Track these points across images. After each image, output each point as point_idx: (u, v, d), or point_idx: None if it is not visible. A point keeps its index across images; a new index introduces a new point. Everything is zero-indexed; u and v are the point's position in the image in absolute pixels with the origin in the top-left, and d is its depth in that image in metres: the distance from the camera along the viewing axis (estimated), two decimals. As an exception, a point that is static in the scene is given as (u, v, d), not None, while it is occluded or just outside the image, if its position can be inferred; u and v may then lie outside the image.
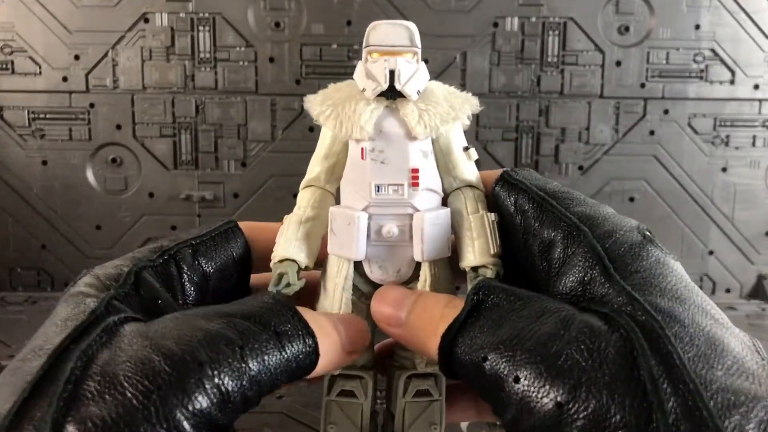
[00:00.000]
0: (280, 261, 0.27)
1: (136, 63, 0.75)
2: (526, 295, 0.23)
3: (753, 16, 0.76)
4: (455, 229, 0.28)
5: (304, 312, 0.24)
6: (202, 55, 0.75)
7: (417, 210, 0.26)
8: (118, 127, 0.76)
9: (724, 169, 0.79)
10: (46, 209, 0.77)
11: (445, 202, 0.28)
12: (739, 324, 0.78)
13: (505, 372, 0.20)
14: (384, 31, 0.26)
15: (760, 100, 0.78)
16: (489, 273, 0.26)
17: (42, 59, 0.75)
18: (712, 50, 0.77)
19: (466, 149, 0.28)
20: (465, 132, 0.29)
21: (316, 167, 0.28)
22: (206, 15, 0.75)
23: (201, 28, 0.75)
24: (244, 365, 0.21)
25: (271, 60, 0.76)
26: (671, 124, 0.78)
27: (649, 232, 0.25)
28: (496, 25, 0.75)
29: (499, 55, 0.76)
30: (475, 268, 0.27)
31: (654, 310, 0.20)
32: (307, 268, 0.27)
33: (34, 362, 0.20)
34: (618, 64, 0.77)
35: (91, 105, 0.76)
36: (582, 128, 0.78)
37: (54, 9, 0.74)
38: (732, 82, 0.77)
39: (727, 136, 0.78)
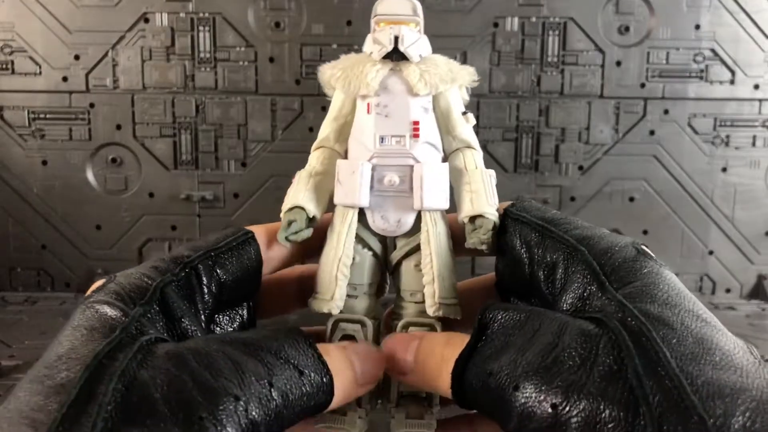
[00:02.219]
0: (290, 209, 0.29)
1: (136, 63, 0.75)
2: (527, 311, 0.24)
3: (753, 16, 0.76)
4: (454, 185, 0.30)
5: (323, 348, 0.24)
6: (202, 55, 0.75)
7: (417, 161, 0.29)
8: (118, 127, 0.76)
9: (724, 169, 0.79)
10: (46, 209, 0.77)
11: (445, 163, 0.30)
12: (739, 324, 0.77)
13: (507, 383, 0.21)
14: (390, 3, 0.29)
15: (760, 100, 0.78)
16: (486, 223, 0.28)
17: (42, 59, 0.75)
18: (712, 50, 0.77)
19: (464, 113, 0.30)
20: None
21: (326, 129, 0.30)
22: (206, 15, 0.75)
23: (201, 28, 0.75)
24: (272, 401, 0.22)
25: (271, 60, 0.76)
26: (671, 124, 0.78)
27: (644, 246, 0.26)
28: (496, 25, 0.75)
29: (499, 55, 0.76)
30: (472, 219, 0.28)
31: (643, 315, 0.21)
32: (314, 218, 0.29)
33: (63, 373, 0.20)
34: (618, 64, 0.77)
35: (91, 105, 0.76)
36: (582, 128, 0.78)
37: (54, 9, 0.74)
38: (732, 82, 0.77)
39: (727, 136, 0.78)
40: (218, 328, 0.28)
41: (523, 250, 0.28)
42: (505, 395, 0.21)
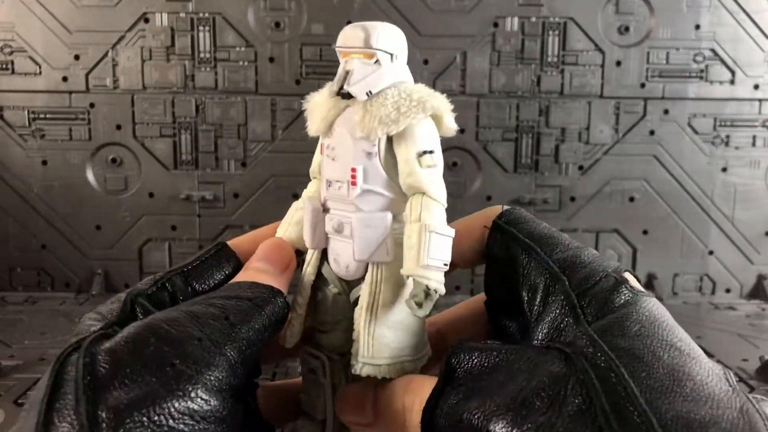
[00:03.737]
0: None
1: (136, 63, 0.75)
2: (495, 351, 0.24)
3: (753, 16, 0.76)
4: None
5: (248, 275, 0.28)
6: (202, 55, 0.75)
7: (359, 209, 0.27)
8: (118, 127, 0.76)
9: (724, 169, 0.79)
10: (46, 209, 0.77)
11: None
12: (739, 324, 0.77)
13: (478, 426, 0.22)
14: (345, 33, 0.27)
15: (760, 100, 0.78)
16: (416, 286, 0.25)
17: (42, 59, 0.75)
18: (712, 50, 0.77)
19: (422, 154, 0.26)
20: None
21: (314, 160, 0.30)
22: (206, 15, 0.75)
23: (201, 28, 0.75)
24: (234, 331, 0.24)
25: (271, 60, 0.76)
26: (671, 124, 0.78)
27: (628, 272, 0.26)
28: (496, 25, 0.75)
29: (499, 55, 0.76)
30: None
31: (612, 350, 0.22)
32: (299, 251, 0.29)
33: (45, 379, 0.21)
34: (618, 64, 0.77)
35: (91, 105, 0.76)
36: (582, 128, 0.78)
37: (54, 9, 0.74)
38: (732, 82, 0.77)
39: (727, 136, 0.78)
40: None
41: (510, 266, 0.27)
42: None
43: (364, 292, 0.27)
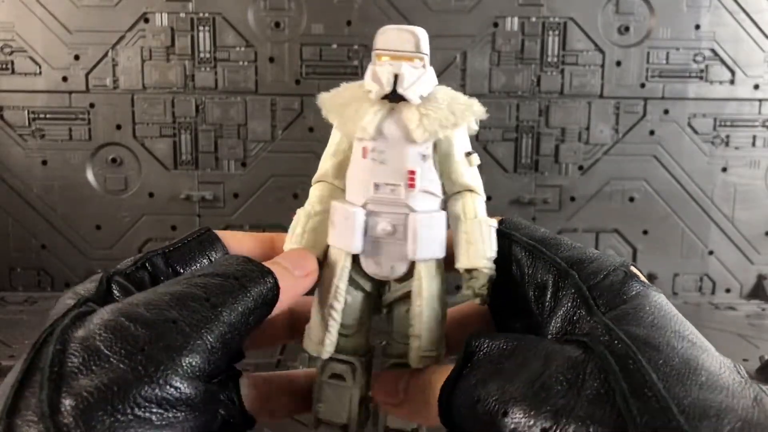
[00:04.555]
0: None
1: (136, 63, 0.75)
2: (514, 339, 0.24)
3: (753, 16, 0.76)
4: (452, 230, 0.28)
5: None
6: (202, 55, 0.75)
7: (413, 210, 0.27)
8: (118, 127, 0.76)
9: (724, 169, 0.79)
10: (46, 209, 0.77)
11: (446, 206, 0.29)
12: (739, 324, 0.77)
13: (495, 408, 0.22)
14: (391, 36, 0.26)
15: (760, 100, 0.78)
16: (481, 277, 0.27)
17: (42, 59, 0.75)
18: (712, 50, 0.77)
19: (468, 154, 0.28)
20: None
21: (326, 163, 0.29)
22: (206, 15, 0.75)
23: (201, 28, 0.75)
24: (214, 313, 0.22)
25: (271, 60, 0.76)
26: (671, 124, 0.78)
27: (634, 267, 0.26)
28: (496, 25, 0.75)
29: (499, 55, 0.76)
30: (468, 270, 0.27)
31: (629, 338, 0.22)
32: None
33: (19, 365, 0.21)
34: (618, 64, 0.77)
35: (91, 105, 0.76)
36: (582, 128, 0.78)
37: (54, 9, 0.74)
38: (732, 82, 0.77)
39: (727, 136, 0.78)
40: None
41: (514, 268, 0.28)
42: (494, 421, 0.22)
43: (416, 288, 0.28)
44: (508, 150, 0.77)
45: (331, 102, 0.28)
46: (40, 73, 0.75)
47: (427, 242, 0.27)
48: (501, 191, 0.78)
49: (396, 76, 0.26)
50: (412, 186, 0.27)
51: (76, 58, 0.75)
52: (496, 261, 0.28)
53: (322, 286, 0.29)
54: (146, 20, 0.75)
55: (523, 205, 0.78)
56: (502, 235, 0.28)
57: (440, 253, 0.28)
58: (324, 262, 0.29)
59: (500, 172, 0.78)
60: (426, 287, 0.28)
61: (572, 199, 0.79)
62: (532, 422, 0.21)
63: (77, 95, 0.76)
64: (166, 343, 0.21)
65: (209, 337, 0.22)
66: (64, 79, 0.75)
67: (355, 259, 0.28)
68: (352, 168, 0.28)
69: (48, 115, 0.76)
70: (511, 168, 0.78)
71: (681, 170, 0.79)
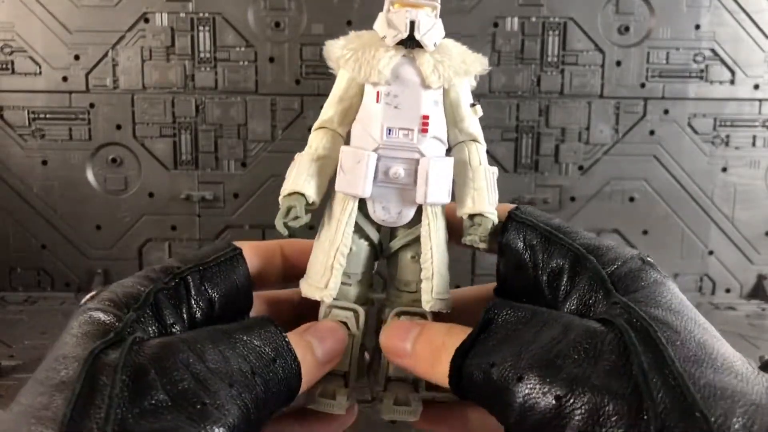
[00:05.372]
0: (290, 194, 0.28)
1: (136, 63, 0.75)
2: (532, 309, 0.25)
3: (753, 16, 0.76)
4: (456, 179, 0.29)
5: (294, 339, 0.26)
6: (202, 55, 0.75)
7: (423, 155, 0.28)
8: (118, 127, 0.76)
9: (724, 169, 0.79)
10: (46, 209, 0.77)
11: (449, 154, 0.30)
12: (739, 324, 0.77)
13: (510, 374, 0.22)
14: None
15: (760, 100, 0.78)
16: (485, 222, 0.28)
17: (42, 59, 0.75)
18: (712, 50, 0.77)
19: (472, 105, 0.29)
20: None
21: (329, 110, 0.29)
22: (206, 15, 0.75)
23: (201, 28, 0.75)
24: (256, 386, 0.23)
25: (271, 60, 0.76)
26: (671, 124, 0.78)
27: (649, 257, 0.27)
28: (496, 25, 0.75)
29: (499, 55, 0.76)
30: (471, 216, 0.28)
31: (648, 318, 0.22)
32: (313, 204, 0.28)
33: (62, 372, 0.21)
34: (618, 64, 0.77)
35: (91, 105, 0.76)
36: (582, 128, 0.78)
37: (54, 9, 0.74)
38: (732, 82, 0.77)
39: (727, 136, 0.78)
40: None
41: (527, 254, 0.28)
42: (508, 386, 0.22)
43: (425, 232, 0.28)
44: (508, 150, 0.77)
45: (342, 48, 0.28)
46: (40, 73, 0.75)
47: (437, 186, 0.28)
48: (501, 191, 0.77)
49: (412, 23, 0.27)
50: (425, 131, 0.27)
51: (76, 58, 0.75)
52: (505, 248, 0.29)
53: (327, 231, 0.29)
54: (146, 20, 0.75)
55: (523, 205, 0.78)
56: (518, 220, 0.29)
57: (447, 198, 0.28)
58: (327, 208, 0.29)
59: (500, 172, 0.77)
60: (434, 231, 0.28)
61: (572, 199, 0.79)
62: (546, 389, 0.21)
63: (77, 95, 0.76)
64: (221, 402, 0.22)
65: (249, 406, 0.23)
66: (64, 79, 0.75)
67: (361, 207, 0.29)
68: (363, 113, 0.28)
69: (48, 115, 0.76)
70: (511, 168, 0.78)
71: (681, 170, 0.79)
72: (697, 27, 0.76)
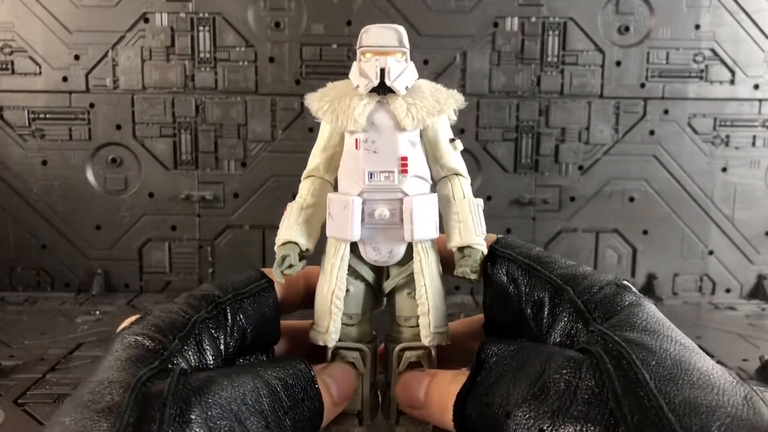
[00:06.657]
0: (283, 244, 0.30)
1: (136, 63, 0.75)
2: (519, 345, 0.26)
3: (753, 16, 0.76)
4: (443, 213, 0.30)
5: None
6: (202, 55, 0.75)
7: (406, 195, 0.29)
8: (118, 127, 0.76)
9: (724, 169, 0.79)
10: (46, 209, 0.77)
11: (434, 190, 0.31)
12: (739, 324, 0.77)
13: (500, 412, 0.23)
14: (375, 33, 0.28)
15: (760, 100, 0.78)
16: (474, 254, 0.29)
17: (42, 59, 0.75)
18: (712, 50, 0.77)
19: (452, 140, 0.30)
20: (453, 127, 0.31)
21: (315, 159, 0.31)
22: (206, 15, 0.75)
23: (201, 28, 0.75)
24: (287, 422, 0.25)
25: (271, 60, 0.76)
26: (671, 124, 0.78)
27: (625, 281, 0.28)
28: (496, 25, 0.75)
29: (499, 55, 0.76)
30: (461, 249, 0.29)
31: (623, 341, 0.23)
32: (307, 250, 0.30)
33: (108, 397, 0.22)
34: (618, 64, 0.77)
35: (91, 105, 0.76)
36: (582, 128, 0.78)
37: (54, 9, 0.74)
38: (732, 82, 0.77)
39: (727, 136, 0.78)
40: None
41: (511, 287, 0.29)
42: (499, 423, 0.23)
43: (417, 268, 0.29)
44: (508, 150, 0.77)
45: (320, 100, 0.30)
46: (40, 73, 0.75)
47: (423, 223, 0.29)
48: (501, 191, 0.78)
49: (382, 71, 0.28)
50: (405, 171, 0.29)
51: (76, 58, 0.75)
52: (490, 281, 0.30)
53: (323, 277, 0.30)
54: (146, 20, 0.75)
55: (523, 205, 0.78)
56: (498, 254, 0.30)
57: (435, 233, 0.30)
58: (324, 254, 0.30)
59: (500, 172, 0.78)
60: (426, 266, 0.29)
61: (572, 199, 0.79)
62: (531, 423, 0.22)
63: (77, 95, 0.76)
64: None
65: None
66: (64, 79, 0.75)
67: (354, 249, 0.30)
68: (345, 160, 0.29)
69: (48, 115, 0.76)
70: (511, 168, 0.78)
71: (681, 170, 0.79)
72: (697, 27, 0.76)
